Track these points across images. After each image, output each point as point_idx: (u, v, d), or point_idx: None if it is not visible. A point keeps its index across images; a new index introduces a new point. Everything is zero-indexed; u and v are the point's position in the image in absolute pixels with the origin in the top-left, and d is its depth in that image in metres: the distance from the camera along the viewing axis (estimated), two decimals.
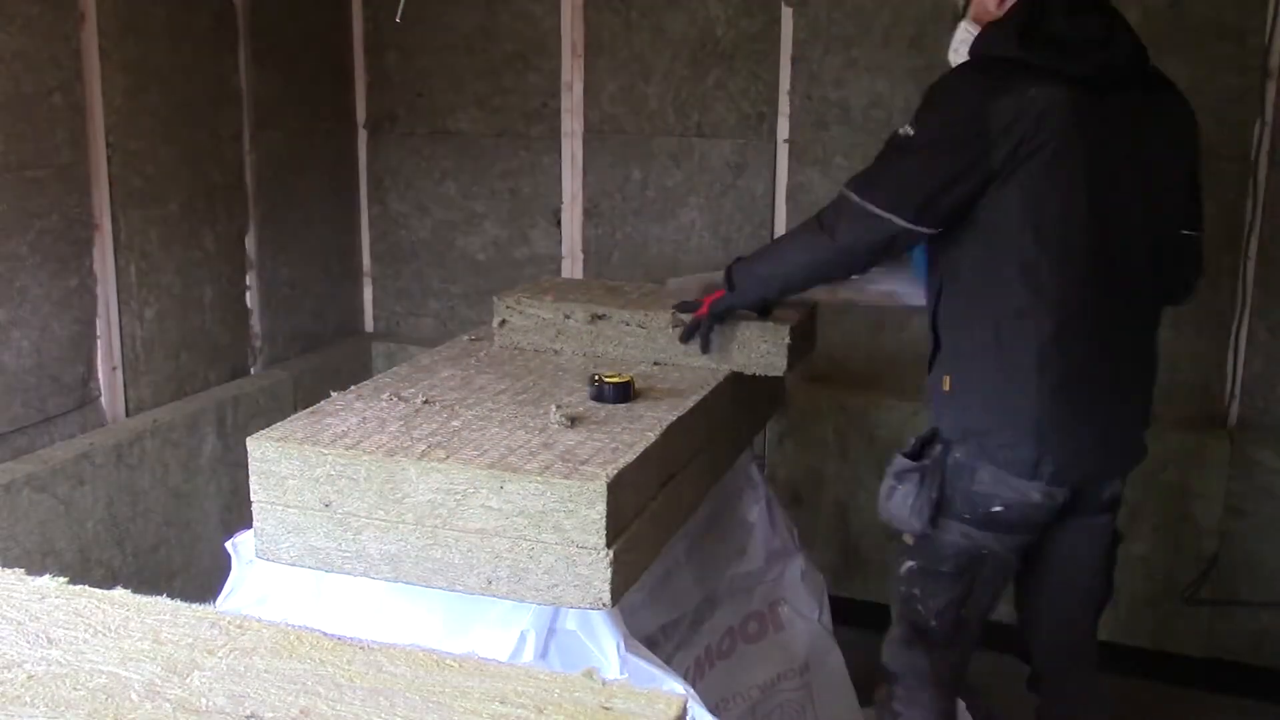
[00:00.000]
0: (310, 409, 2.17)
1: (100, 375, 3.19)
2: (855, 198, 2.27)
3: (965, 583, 2.39)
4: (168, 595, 1.27)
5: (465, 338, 2.73)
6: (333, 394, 2.25)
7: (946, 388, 2.33)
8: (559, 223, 4.03)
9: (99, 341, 3.17)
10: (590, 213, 4.01)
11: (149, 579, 3.22)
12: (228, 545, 2.22)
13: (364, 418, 2.11)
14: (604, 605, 1.86)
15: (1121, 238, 2.25)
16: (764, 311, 2.52)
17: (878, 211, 2.24)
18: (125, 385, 3.27)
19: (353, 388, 2.30)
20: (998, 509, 2.29)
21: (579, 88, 3.94)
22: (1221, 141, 3.34)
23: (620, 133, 3.93)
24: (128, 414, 3.28)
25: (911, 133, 2.23)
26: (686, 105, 3.85)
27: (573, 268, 4.05)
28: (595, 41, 3.90)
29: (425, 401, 2.20)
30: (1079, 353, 2.24)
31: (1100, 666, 3.51)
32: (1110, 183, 2.21)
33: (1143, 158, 2.26)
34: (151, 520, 3.24)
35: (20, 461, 2.93)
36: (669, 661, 2.38)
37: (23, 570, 1.36)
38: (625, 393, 2.24)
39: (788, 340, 2.50)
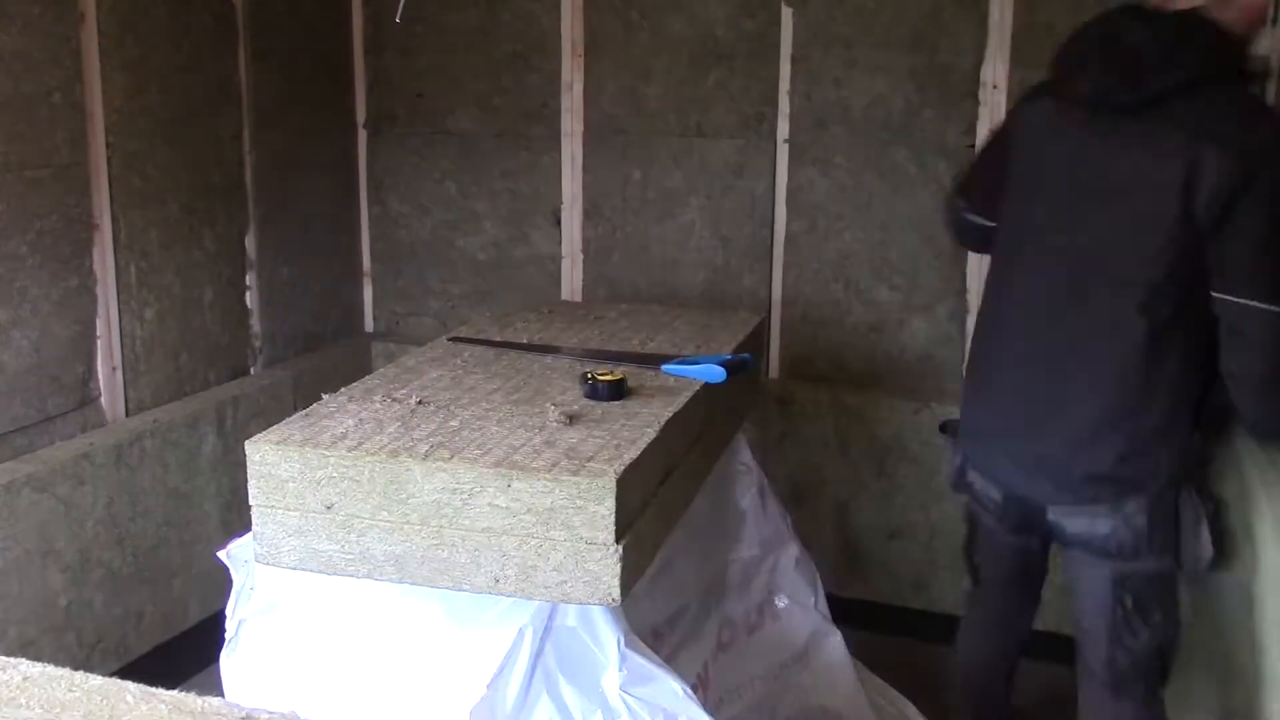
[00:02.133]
0: (304, 411, 2.16)
1: (100, 375, 3.18)
2: None
3: (969, 530, 2.65)
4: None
5: (444, 338, 2.73)
6: (324, 396, 2.25)
7: None
8: (559, 223, 4.03)
9: (99, 341, 3.17)
10: (590, 213, 4.01)
11: (149, 579, 3.22)
12: (221, 555, 2.21)
13: (360, 419, 2.11)
14: (613, 601, 1.86)
15: (1054, 255, 2.26)
16: None
17: None
18: (125, 385, 3.26)
19: (343, 390, 2.29)
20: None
21: (579, 88, 3.95)
22: None
23: (620, 133, 3.93)
24: (128, 414, 3.27)
25: None
26: (686, 105, 3.85)
27: (572, 268, 4.05)
28: (595, 41, 3.90)
29: (419, 402, 2.20)
30: (992, 363, 2.40)
31: None
32: (1056, 202, 2.23)
33: (1114, 185, 2.20)
34: (151, 520, 3.23)
35: (20, 461, 2.92)
36: (677, 654, 2.39)
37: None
38: (619, 390, 2.25)
39: None
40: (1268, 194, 2.05)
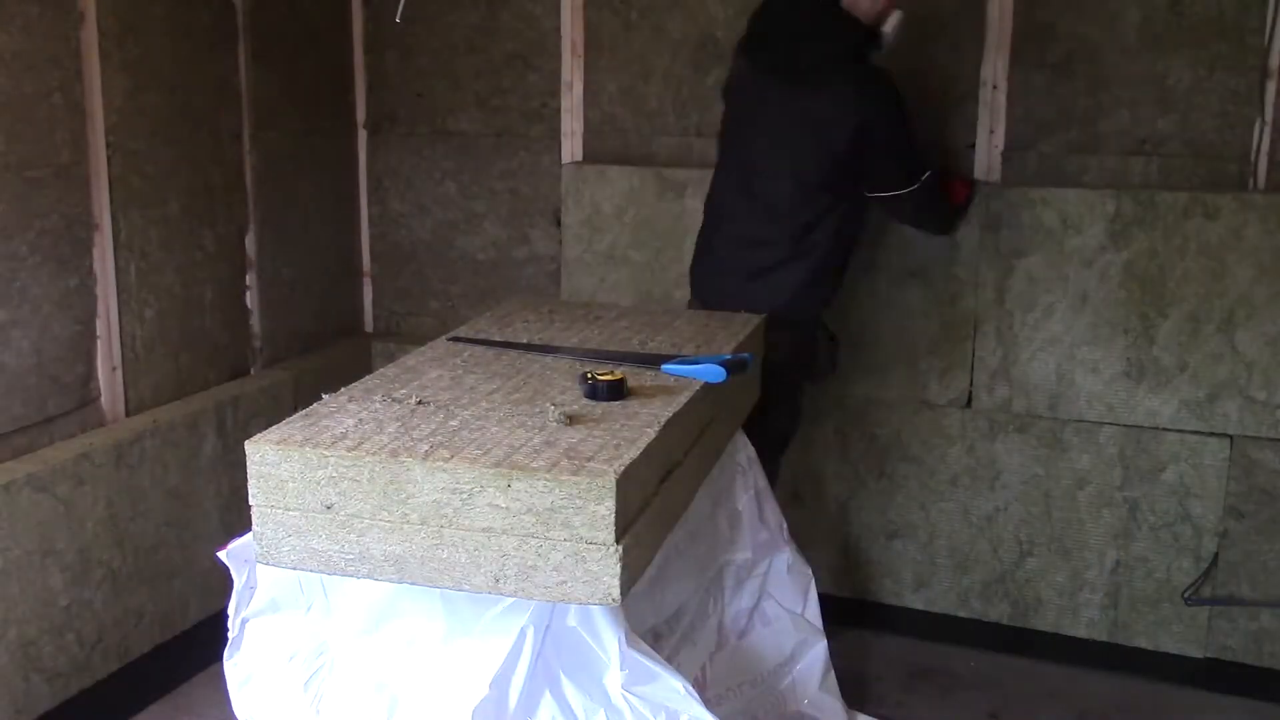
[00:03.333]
0: (304, 411, 2.16)
1: (100, 375, 3.18)
2: None
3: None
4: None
5: (444, 339, 2.73)
6: (325, 396, 2.25)
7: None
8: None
9: (99, 341, 3.17)
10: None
11: (149, 579, 3.22)
12: (221, 556, 2.21)
13: (360, 419, 2.11)
14: (613, 600, 1.86)
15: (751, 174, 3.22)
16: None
17: None
18: (125, 385, 3.26)
19: (343, 390, 2.30)
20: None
21: (579, 88, 3.94)
22: (1221, 141, 3.36)
23: (620, 133, 3.93)
24: (128, 414, 3.27)
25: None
26: (686, 105, 3.85)
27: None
28: (595, 41, 3.90)
29: (419, 402, 2.20)
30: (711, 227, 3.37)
31: (1100, 666, 3.55)
32: (750, 139, 3.23)
33: (780, 130, 3.15)
34: (151, 520, 3.23)
35: (20, 461, 2.92)
36: (676, 655, 2.39)
37: None
38: (619, 390, 2.26)
39: None
40: (882, 126, 3.07)
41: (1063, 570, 3.57)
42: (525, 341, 2.68)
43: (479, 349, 2.62)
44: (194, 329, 3.51)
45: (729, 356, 2.51)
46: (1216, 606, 3.43)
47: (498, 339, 2.70)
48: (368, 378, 2.41)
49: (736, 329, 2.90)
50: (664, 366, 2.45)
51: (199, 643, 3.28)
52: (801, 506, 3.71)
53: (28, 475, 2.86)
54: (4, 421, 2.92)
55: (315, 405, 2.20)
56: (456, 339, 2.71)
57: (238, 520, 3.40)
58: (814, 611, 3.02)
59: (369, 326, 4.40)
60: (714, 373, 2.43)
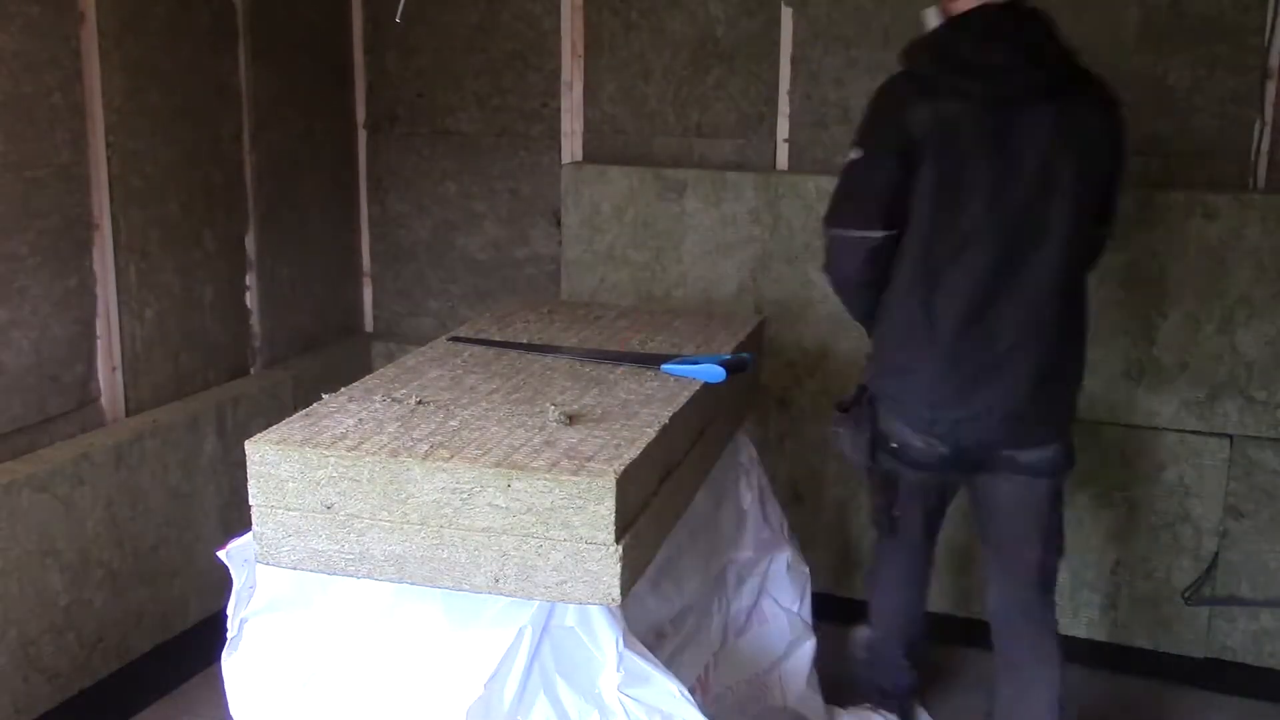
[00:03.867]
0: (304, 411, 2.16)
1: (100, 375, 3.18)
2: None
3: (890, 491, 2.81)
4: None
5: (444, 339, 2.73)
6: (324, 396, 2.25)
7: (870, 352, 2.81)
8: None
9: (99, 341, 3.17)
10: None
11: (149, 579, 3.22)
12: (220, 555, 2.21)
13: (360, 419, 2.11)
14: (613, 600, 1.86)
15: (1011, 229, 2.52)
16: None
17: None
18: (125, 385, 3.26)
19: (343, 390, 2.30)
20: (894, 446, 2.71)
21: (579, 88, 3.94)
22: (1222, 141, 3.35)
23: (620, 133, 3.93)
24: (128, 414, 3.27)
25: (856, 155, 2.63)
26: (686, 105, 3.85)
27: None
28: (595, 41, 3.90)
29: (419, 402, 2.20)
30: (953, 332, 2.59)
31: (1100, 666, 3.54)
32: (1001, 181, 2.51)
33: (1046, 161, 2.51)
34: (151, 520, 3.23)
35: (20, 461, 2.92)
36: (680, 654, 2.39)
37: None
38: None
39: None
40: None
41: (1062, 570, 3.55)
42: (525, 341, 2.68)
43: (479, 349, 2.63)
44: (194, 329, 3.51)
45: (729, 356, 2.51)
46: (1216, 606, 3.43)
47: (497, 339, 2.70)
48: (368, 378, 2.41)
49: (736, 328, 2.90)
50: (664, 366, 2.45)
51: (199, 643, 3.27)
52: (801, 506, 3.71)
53: (28, 475, 2.86)
54: (4, 421, 2.92)
55: (315, 405, 2.20)
56: (456, 339, 2.71)
57: (238, 520, 3.40)
58: (808, 610, 3.03)
59: (369, 326, 4.40)
60: (714, 373, 2.43)
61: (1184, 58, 3.35)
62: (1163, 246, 3.33)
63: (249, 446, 1.99)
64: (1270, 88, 3.29)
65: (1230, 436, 3.35)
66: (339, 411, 2.15)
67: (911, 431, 2.66)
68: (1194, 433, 3.39)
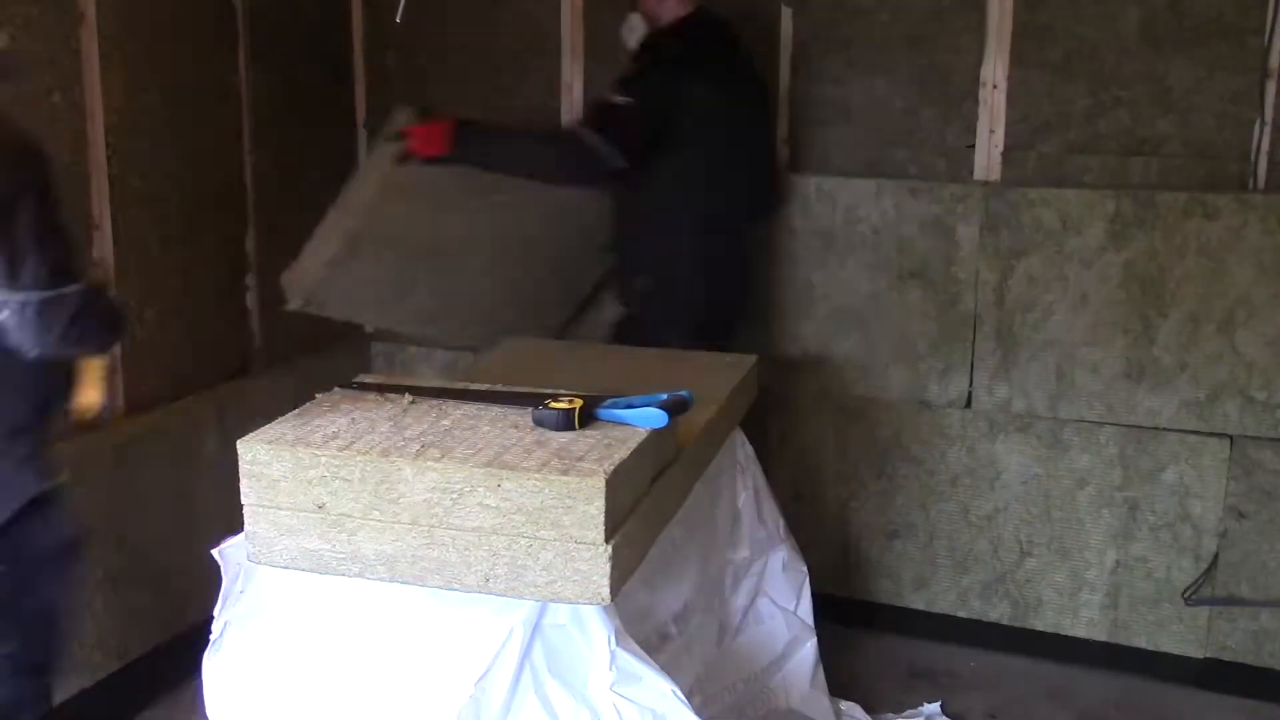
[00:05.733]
0: (297, 410, 2.17)
1: None
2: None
3: None
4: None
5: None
6: (318, 395, 2.25)
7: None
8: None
9: None
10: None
11: (149, 579, 3.23)
12: (214, 553, 2.21)
13: (353, 418, 2.11)
14: (603, 600, 1.87)
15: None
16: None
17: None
18: (125, 385, 3.26)
19: (337, 388, 2.29)
20: None
21: (579, 88, 3.94)
22: (1221, 141, 3.35)
23: None
24: (127, 414, 3.27)
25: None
26: None
27: None
28: (595, 41, 3.90)
29: (412, 401, 2.20)
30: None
31: (1100, 666, 3.54)
32: None
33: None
34: (151, 520, 3.24)
35: None
36: (681, 655, 2.39)
37: None
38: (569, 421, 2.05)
39: None
40: None
41: (1062, 570, 3.57)
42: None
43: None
44: (194, 329, 3.51)
45: (665, 396, 2.16)
46: (1216, 606, 3.42)
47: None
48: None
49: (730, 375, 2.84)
50: (599, 411, 2.12)
51: (199, 643, 3.23)
52: (801, 506, 3.70)
53: None
54: None
55: (308, 404, 2.20)
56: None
57: (238, 520, 3.38)
58: (806, 609, 3.02)
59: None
60: (655, 417, 2.10)
61: (1184, 58, 3.34)
62: (1163, 246, 3.32)
63: (241, 446, 2.00)
64: (1270, 88, 3.28)
65: (1230, 436, 3.34)
66: (332, 410, 2.15)
67: None
68: (1194, 433, 3.38)
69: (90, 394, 2.37)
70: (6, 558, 2.23)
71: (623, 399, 2.13)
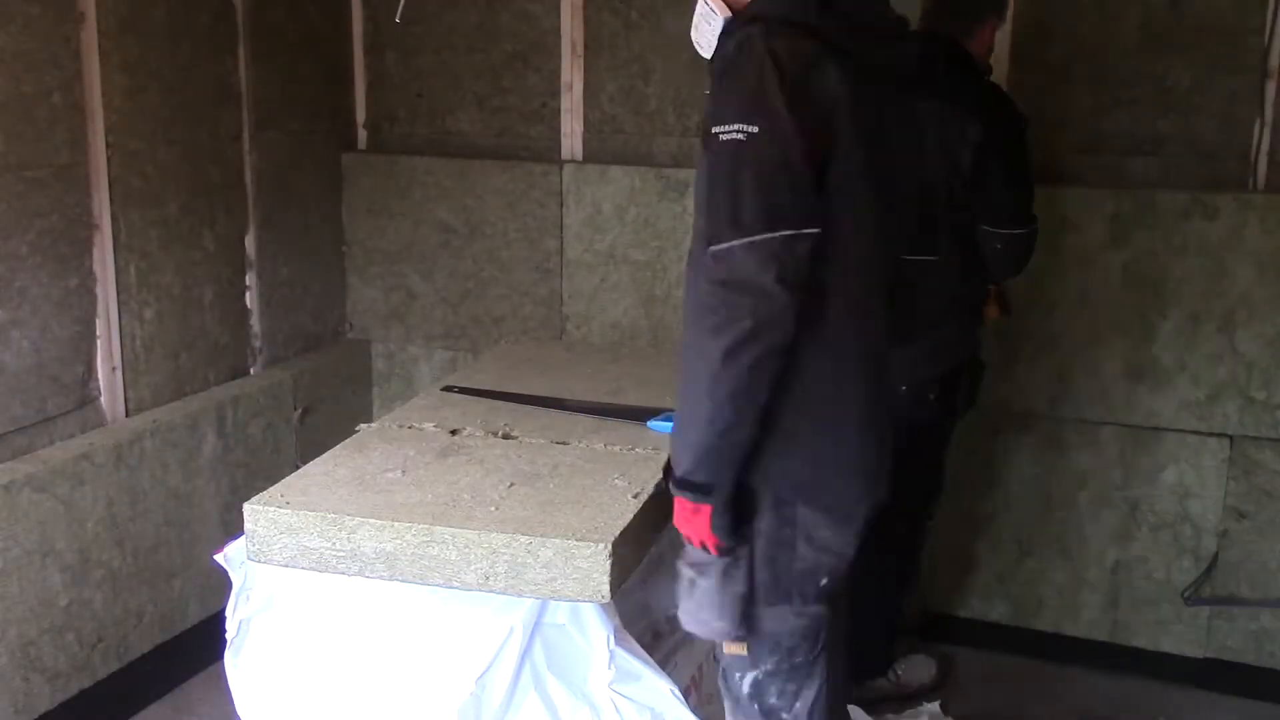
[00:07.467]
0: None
1: (100, 375, 3.19)
2: None
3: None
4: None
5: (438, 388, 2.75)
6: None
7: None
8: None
9: (99, 341, 3.17)
10: None
11: (149, 579, 3.23)
12: (218, 558, 2.21)
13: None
14: (603, 598, 1.87)
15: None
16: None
17: None
18: (125, 385, 3.26)
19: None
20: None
21: (579, 88, 3.94)
22: (1221, 141, 3.35)
23: (620, 133, 3.93)
24: (127, 414, 3.27)
25: None
26: (686, 105, 3.84)
27: None
28: (595, 41, 3.90)
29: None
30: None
31: (1100, 666, 3.54)
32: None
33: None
34: (151, 520, 3.24)
35: (20, 461, 2.93)
36: (675, 654, 2.38)
37: None
38: None
39: None
40: None
41: (1063, 570, 3.57)
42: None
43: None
44: (194, 329, 3.51)
45: None
46: (1216, 606, 3.42)
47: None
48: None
49: None
50: (650, 423, 2.32)
51: (199, 643, 3.28)
52: None
53: (28, 475, 2.87)
54: (4, 421, 2.92)
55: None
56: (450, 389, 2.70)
57: (237, 520, 3.38)
58: None
59: None
60: None
61: (1184, 58, 3.34)
62: (1163, 246, 3.32)
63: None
64: (1270, 88, 3.28)
65: (1230, 436, 3.34)
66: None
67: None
68: (1194, 433, 3.38)
69: (993, 309, 3.21)
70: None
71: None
